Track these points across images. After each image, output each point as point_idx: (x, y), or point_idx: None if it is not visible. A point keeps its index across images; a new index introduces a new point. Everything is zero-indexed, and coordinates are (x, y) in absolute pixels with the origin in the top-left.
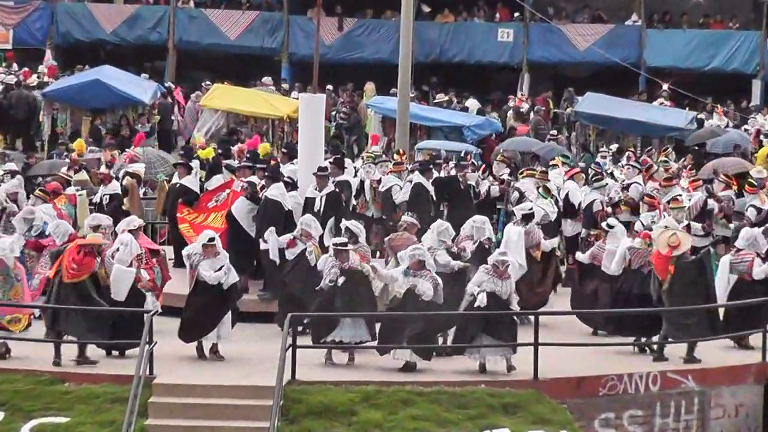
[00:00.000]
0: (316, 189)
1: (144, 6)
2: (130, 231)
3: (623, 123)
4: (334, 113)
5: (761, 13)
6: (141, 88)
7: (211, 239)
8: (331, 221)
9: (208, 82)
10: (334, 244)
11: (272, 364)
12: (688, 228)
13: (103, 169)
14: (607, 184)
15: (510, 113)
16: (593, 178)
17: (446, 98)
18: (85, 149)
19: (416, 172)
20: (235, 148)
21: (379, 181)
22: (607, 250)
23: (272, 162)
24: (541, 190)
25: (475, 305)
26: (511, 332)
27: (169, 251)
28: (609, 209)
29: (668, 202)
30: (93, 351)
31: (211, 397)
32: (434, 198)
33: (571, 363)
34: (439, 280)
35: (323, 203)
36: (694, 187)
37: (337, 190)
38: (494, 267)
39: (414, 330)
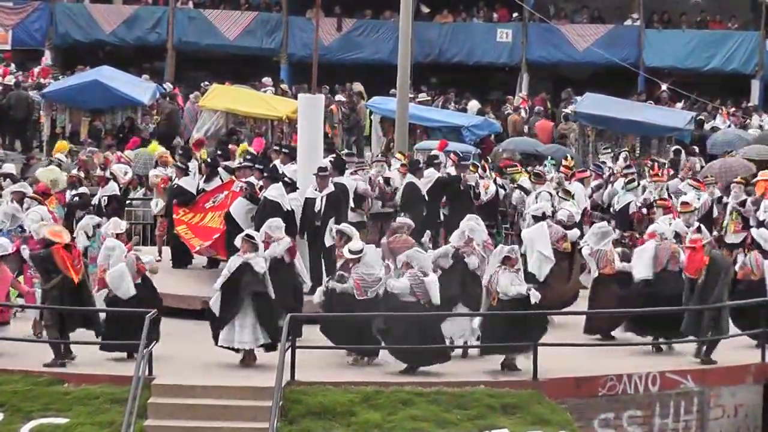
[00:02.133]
0: (316, 189)
1: (143, 6)
2: (117, 235)
3: (622, 123)
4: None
5: (760, 14)
6: (140, 88)
7: (249, 235)
8: (331, 222)
9: (206, 83)
10: (350, 251)
11: (271, 365)
12: (698, 230)
13: (98, 171)
14: (638, 185)
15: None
16: (627, 181)
17: (428, 98)
18: (66, 149)
19: (407, 173)
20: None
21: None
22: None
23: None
24: (561, 193)
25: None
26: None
27: (166, 251)
28: (644, 210)
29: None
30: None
31: (210, 398)
32: (426, 197)
33: (570, 363)
34: (423, 278)
35: (324, 204)
36: (705, 185)
37: (337, 190)
38: (507, 259)
39: (378, 325)
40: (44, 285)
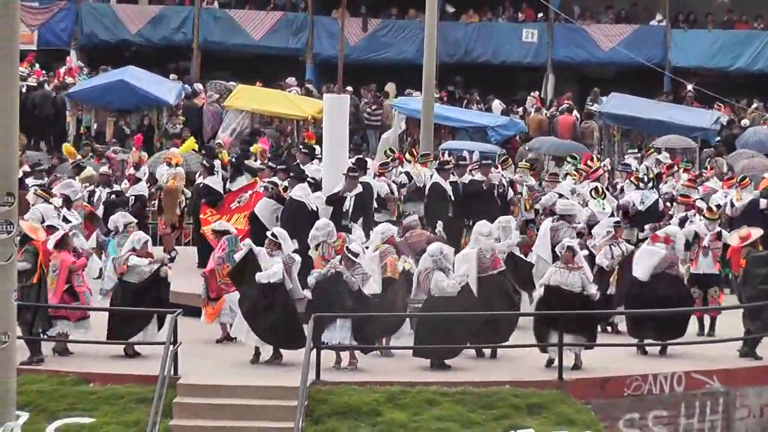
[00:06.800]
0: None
1: (168, 6)
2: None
3: (648, 123)
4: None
5: None
6: (165, 88)
7: (274, 235)
8: (357, 222)
9: (219, 82)
10: (346, 249)
11: (297, 365)
12: (718, 235)
13: (131, 170)
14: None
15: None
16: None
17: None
18: (74, 154)
19: (434, 172)
20: (258, 149)
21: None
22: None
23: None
24: (592, 191)
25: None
26: (589, 327)
27: (193, 252)
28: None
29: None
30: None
31: (235, 398)
32: (452, 197)
33: (595, 363)
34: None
35: (353, 204)
36: (729, 186)
37: (365, 191)
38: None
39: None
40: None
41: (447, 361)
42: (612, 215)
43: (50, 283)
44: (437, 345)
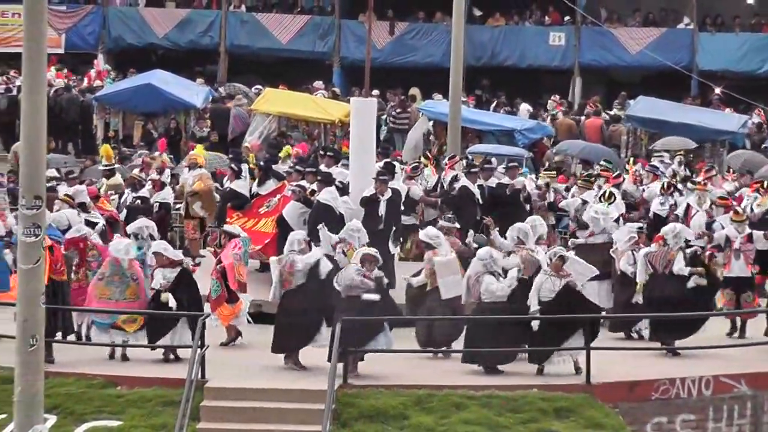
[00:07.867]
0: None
1: (195, 10)
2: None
3: (675, 127)
4: (385, 117)
5: None
6: (192, 92)
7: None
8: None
9: (236, 85)
10: (372, 255)
11: (324, 368)
12: (750, 237)
13: (154, 175)
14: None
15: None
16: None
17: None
18: (111, 157)
19: (462, 175)
20: (288, 151)
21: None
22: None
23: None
24: (601, 196)
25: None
26: (590, 332)
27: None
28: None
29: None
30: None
31: (262, 401)
32: (480, 201)
33: (623, 367)
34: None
35: (386, 209)
36: (754, 189)
37: (395, 195)
38: (551, 262)
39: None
40: None
41: (500, 367)
42: (617, 221)
43: (131, 293)
44: (488, 350)
